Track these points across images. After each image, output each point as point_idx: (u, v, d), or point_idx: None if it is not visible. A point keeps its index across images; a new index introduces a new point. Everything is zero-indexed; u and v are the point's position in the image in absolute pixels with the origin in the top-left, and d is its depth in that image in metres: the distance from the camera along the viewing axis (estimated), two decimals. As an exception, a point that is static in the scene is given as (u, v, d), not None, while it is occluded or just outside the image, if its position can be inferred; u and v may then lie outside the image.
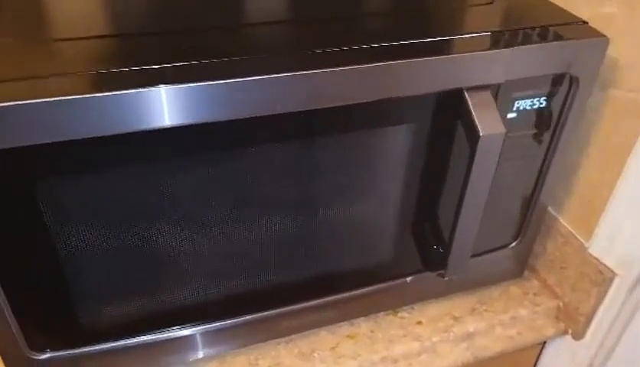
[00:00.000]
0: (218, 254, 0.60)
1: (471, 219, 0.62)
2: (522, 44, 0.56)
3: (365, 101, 0.52)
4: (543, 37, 0.58)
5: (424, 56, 0.53)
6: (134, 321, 0.61)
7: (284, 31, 0.58)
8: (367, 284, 0.71)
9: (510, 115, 0.61)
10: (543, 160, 0.67)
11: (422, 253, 0.70)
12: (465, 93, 0.56)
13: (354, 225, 0.65)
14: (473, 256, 0.72)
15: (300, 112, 0.50)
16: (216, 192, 0.55)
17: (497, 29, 0.58)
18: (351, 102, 0.52)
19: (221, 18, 0.59)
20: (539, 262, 0.82)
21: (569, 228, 0.76)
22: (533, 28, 0.58)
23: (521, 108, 0.61)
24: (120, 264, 0.56)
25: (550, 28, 0.59)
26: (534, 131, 0.63)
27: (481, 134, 0.55)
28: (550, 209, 0.79)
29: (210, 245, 0.59)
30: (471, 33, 0.57)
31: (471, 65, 0.55)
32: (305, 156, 0.56)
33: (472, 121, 0.55)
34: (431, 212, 0.66)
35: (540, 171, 0.68)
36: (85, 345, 0.60)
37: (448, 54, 0.54)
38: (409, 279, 0.73)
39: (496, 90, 0.58)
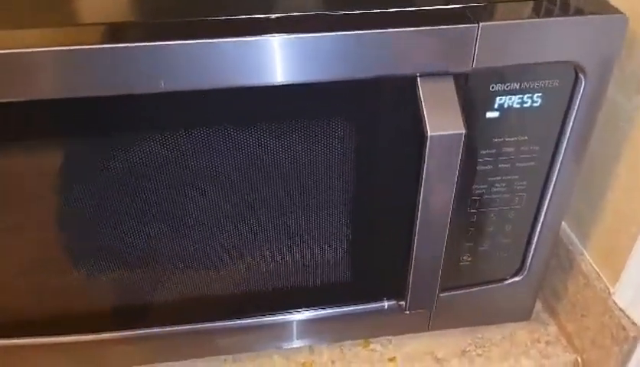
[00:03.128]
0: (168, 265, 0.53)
1: (432, 241, 0.49)
2: (500, 20, 0.43)
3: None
4: (534, 11, 0.44)
5: (365, 29, 0.41)
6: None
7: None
8: (330, 305, 0.61)
9: (490, 115, 0.47)
10: (547, 177, 0.52)
11: (387, 276, 0.58)
12: (418, 81, 0.43)
13: (307, 234, 0.54)
14: (459, 288, 0.59)
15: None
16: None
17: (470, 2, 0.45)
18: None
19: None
20: (560, 304, 0.66)
21: (594, 266, 0.60)
22: (518, 1, 0.45)
23: (506, 106, 0.47)
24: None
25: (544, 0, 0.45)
26: (528, 137, 0.49)
27: (428, 134, 0.42)
28: (574, 238, 0.63)
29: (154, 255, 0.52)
30: (433, 4, 0.44)
31: (426, 44, 0.42)
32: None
33: (420, 117, 0.43)
34: (389, 227, 0.54)
35: (543, 190, 0.53)
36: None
37: (396, 27, 0.42)
38: (386, 304, 0.61)
39: (465, 80, 0.45)
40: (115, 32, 0.42)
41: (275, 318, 0.61)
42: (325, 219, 0.52)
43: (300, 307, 0.60)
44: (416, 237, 0.49)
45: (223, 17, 0.42)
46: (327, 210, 0.52)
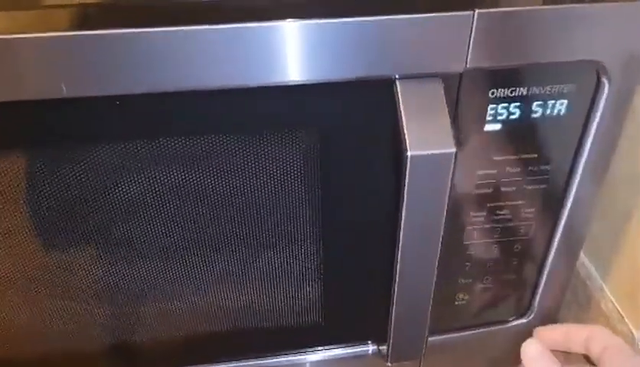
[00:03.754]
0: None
1: (418, 280, 0.40)
2: (501, 6, 0.33)
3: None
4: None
5: (327, 17, 0.32)
6: None
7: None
8: (304, 348, 0.51)
9: (489, 127, 0.38)
10: (561, 202, 0.43)
11: (361, 318, 0.48)
12: (397, 85, 0.34)
13: (273, 272, 0.45)
14: (455, 330, 0.50)
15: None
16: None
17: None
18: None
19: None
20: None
21: (616, 305, 0.50)
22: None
23: (510, 116, 0.37)
24: None
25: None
26: (539, 155, 0.40)
27: (409, 154, 0.33)
28: (593, 271, 0.53)
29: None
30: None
31: (407, 36, 0.33)
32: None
33: (400, 132, 0.33)
34: (362, 262, 0.44)
35: (556, 218, 0.44)
36: None
37: (366, 15, 0.32)
38: (370, 349, 0.51)
39: (457, 83, 0.35)
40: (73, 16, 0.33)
41: (246, 363, 0.51)
42: (293, 252, 0.43)
43: (271, 351, 0.51)
44: (397, 276, 0.39)
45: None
46: (294, 242, 0.42)
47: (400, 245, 0.37)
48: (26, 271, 0.41)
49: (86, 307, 0.44)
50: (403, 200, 0.35)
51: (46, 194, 0.37)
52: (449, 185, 0.35)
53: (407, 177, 0.34)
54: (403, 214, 0.36)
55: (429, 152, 0.33)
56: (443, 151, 0.33)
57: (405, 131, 0.33)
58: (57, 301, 0.44)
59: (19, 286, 0.42)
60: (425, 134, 0.33)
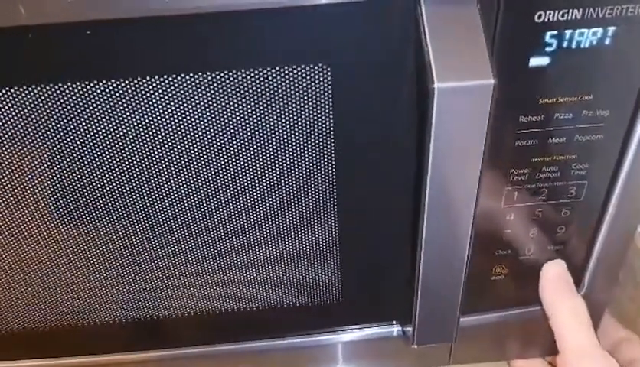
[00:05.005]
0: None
1: (448, 251, 0.34)
2: None
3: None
4: None
5: None
6: None
7: None
8: (325, 328, 0.46)
9: (535, 61, 0.31)
10: (620, 156, 0.36)
11: (383, 298, 0.42)
12: (421, 5, 0.28)
13: (288, 247, 0.39)
14: (490, 310, 0.44)
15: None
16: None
17: None
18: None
19: None
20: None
21: (682, 285, 0.43)
22: None
23: (561, 46, 0.31)
24: None
25: None
26: (594, 97, 0.33)
27: (435, 86, 0.27)
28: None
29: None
30: None
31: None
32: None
33: (424, 61, 0.27)
34: (383, 230, 0.38)
35: (614, 176, 0.37)
36: None
37: None
38: (395, 330, 0.46)
39: (495, 3, 0.29)
40: None
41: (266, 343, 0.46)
42: (305, 221, 0.37)
43: (289, 333, 0.46)
44: (422, 245, 0.33)
45: None
46: (306, 208, 0.37)
47: (426, 206, 0.31)
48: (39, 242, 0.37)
49: (106, 282, 0.40)
50: (428, 148, 0.29)
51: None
52: (487, 128, 0.28)
53: (434, 116, 0.28)
54: (430, 166, 0.29)
55: (462, 83, 0.27)
56: (479, 82, 0.27)
57: (430, 57, 0.27)
58: (75, 273, 0.39)
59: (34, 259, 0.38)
60: (455, 62, 0.27)
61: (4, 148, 0.32)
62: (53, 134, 0.32)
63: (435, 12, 0.28)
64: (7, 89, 0.30)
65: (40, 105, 0.30)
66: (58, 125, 0.31)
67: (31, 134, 0.31)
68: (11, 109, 0.31)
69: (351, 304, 0.43)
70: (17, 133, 0.31)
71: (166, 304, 0.43)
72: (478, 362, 0.49)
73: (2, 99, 0.30)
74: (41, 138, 0.32)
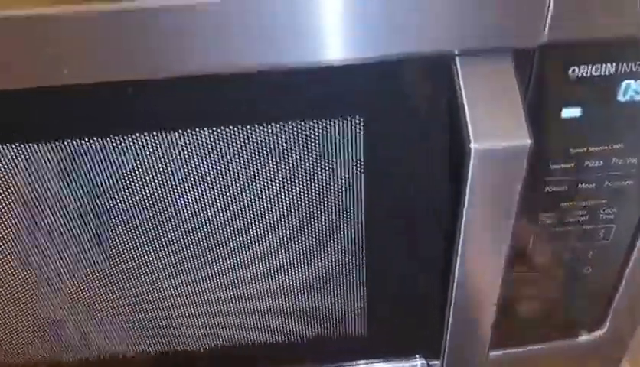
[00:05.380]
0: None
1: (477, 293, 0.34)
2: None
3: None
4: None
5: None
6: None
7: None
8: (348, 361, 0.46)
9: (568, 113, 0.31)
10: (648, 201, 0.36)
11: (410, 329, 0.43)
12: (457, 65, 0.28)
13: (316, 279, 0.40)
14: (514, 345, 0.44)
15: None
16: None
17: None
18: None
19: None
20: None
21: None
22: None
23: (592, 99, 0.31)
24: None
25: None
26: (624, 146, 0.33)
27: (472, 146, 0.27)
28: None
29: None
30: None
31: (469, 5, 0.27)
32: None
33: (459, 120, 0.28)
34: (419, 268, 0.39)
35: (641, 221, 0.37)
36: None
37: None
38: (419, 363, 0.46)
39: (528, 60, 0.29)
40: None
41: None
42: (334, 254, 0.38)
43: (314, 362, 0.46)
44: (454, 286, 0.34)
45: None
46: (335, 242, 0.37)
47: (459, 250, 0.32)
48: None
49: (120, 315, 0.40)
50: (463, 201, 0.29)
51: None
52: (521, 184, 0.29)
53: (470, 173, 0.28)
54: (464, 217, 0.30)
55: (498, 145, 0.27)
56: (516, 143, 0.27)
57: (467, 118, 0.27)
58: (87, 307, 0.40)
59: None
60: (492, 123, 0.27)
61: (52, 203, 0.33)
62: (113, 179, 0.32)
63: (471, 70, 0.28)
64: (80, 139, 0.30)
65: (97, 155, 0.31)
66: (114, 173, 0.32)
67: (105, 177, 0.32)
68: (82, 159, 0.31)
69: (375, 337, 0.44)
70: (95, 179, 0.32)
71: (197, 337, 0.43)
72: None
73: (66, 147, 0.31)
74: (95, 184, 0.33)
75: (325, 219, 0.35)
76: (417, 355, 0.45)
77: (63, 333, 0.41)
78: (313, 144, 0.31)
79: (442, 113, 0.30)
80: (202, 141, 0.31)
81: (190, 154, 0.32)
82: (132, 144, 0.31)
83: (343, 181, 0.33)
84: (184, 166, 0.32)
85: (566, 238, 0.37)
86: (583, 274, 0.40)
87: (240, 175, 0.33)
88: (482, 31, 0.28)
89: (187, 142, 0.31)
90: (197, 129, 0.31)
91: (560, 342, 0.43)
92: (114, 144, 0.31)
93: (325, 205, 0.34)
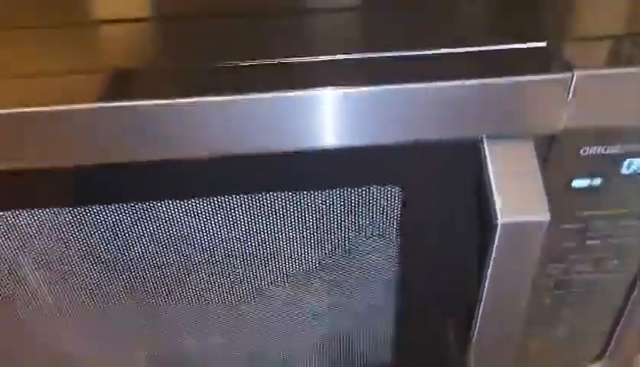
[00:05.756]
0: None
1: (497, 340, 0.39)
2: (596, 67, 0.31)
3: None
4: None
5: (415, 82, 0.31)
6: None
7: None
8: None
9: (577, 183, 0.36)
10: (646, 255, 0.41)
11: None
12: (485, 147, 0.33)
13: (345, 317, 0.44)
14: (523, 374, 0.48)
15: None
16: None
17: (560, 35, 0.34)
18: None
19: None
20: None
21: (697, 354, 0.48)
22: (626, 38, 0.33)
23: (599, 173, 0.36)
24: None
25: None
26: (624, 210, 0.38)
27: (499, 222, 0.32)
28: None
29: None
30: (511, 40, 0.33)
31: (497, 99, 0.31)
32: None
33: (488, 199, 0.32)
34: (442, 313, 0.43)
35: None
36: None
37: (455, 79, 0.31)
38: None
39: (548, 142, 0.34)
40: (121, 82, 0.32)
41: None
42: (368, 304, 0.42)
43: None
44: (476, 338, 0.38)
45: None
46: (369, 293, 0.42)
47: (482, 307, 0.36)
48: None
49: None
50: (488, 267, 0.34)
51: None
52: (539, 252, 0.33)
53: (495, 244, 0.32)
54: (487, 281, 0.34)
55: (522, 220, 0.32)
56: (537, 219, 0.32)
57: (494, 197, 0.32)
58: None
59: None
60: (516, 201, 0.32)
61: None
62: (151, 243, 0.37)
63: (497, 150, 0.33)
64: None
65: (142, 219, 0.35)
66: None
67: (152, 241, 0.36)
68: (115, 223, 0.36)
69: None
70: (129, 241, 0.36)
71: None
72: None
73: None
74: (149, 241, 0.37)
75: (366, 273, 0.40)
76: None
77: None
78: (363, 206, 0.36)
79: (471, 187, 0.34)
80: (262, 206, 0.36)
81: (251, 217, 0.36)
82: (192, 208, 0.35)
83: (381, 242, 0.37)
84: (246, 227, 0.36)
85: (574, 285, 0.42)
86: (589, 315, 0.44)
87: (283, 237, 0.37)
88: (508, 121, 0.32)
89: (249, 207, 0.35)
90: (258, 194, 0.35)
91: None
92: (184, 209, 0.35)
93: (364, 260, 0.39)
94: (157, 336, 0.44)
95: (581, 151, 0.34)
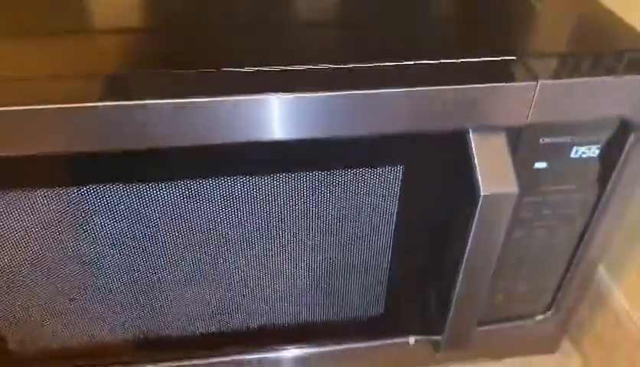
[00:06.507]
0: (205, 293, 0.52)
1: (474, 289, 0.49)
2: (555, 78, 0.41)
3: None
4: (591, 67, 0.43)
5: (413, 86, 0.40)
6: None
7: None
8: (356, 339, 0.60)
9: (538, 165, 0.46)
10: (587, 223, 0.52)
11: (420, 314, 0.57)
12: (470, 135, 0.42)
13: (344, 272, 0.53)
14: (490, 323, 0.59)
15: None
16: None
17: (526, 51, 0.44)
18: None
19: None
20: (585, 337, 0.66)
21: (625, 306, 0.60)
22: (576, 54, 0.43)
23: (554, 157, 0.46)
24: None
25: (604, 55, 0.44)
26: (574, 186, 0.48)
27: (482, 194, 0.42)
28: (605, 275, 0.63)
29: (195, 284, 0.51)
30: (488, 54, 0.43)
31: (480, 100, 0.41)
32: (292, 191, 0.45)
33: (473, 175, 0.42)
34: (428, 270, 0.53)
35: (582, 235, 0.53)
36: None
37: (449, 85, 0.40)
38: (412, 339, 0.61)
39: (516, 133, 0.44)
40: (120, 85, 0.40)
41: (305, 351, 0.60)
42: (364, 260, 0.52)
43: (327, 342, 0.60)
44: (457, 287, 0.48)
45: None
46: (366, 252, 0.51)
47: (464, 263, 0.46)
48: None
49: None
50: (470, 230, 0.44)
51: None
52: (510, 216, 0.43)
53: (477, 212, 0.42)
54: (470, 241, 0.44)
55: (498, 192, 0.42)
56: (509, 191, 0.42)
57: (478, 175, 0.42)
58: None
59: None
60: (493, 178, 0.42)
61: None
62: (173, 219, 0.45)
63: (480, 142, 0.42)
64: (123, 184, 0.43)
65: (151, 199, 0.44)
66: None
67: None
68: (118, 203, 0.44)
69: (387, 321, 0.58)
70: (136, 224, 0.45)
71: (243, 316, 0.56)
72: (478, 359, 0.65)
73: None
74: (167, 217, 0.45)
75: (365, 237, 0.49)
76: (410, 334, 0.59)
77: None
78: (370, 183, 0.45)
79: (458, 167, 0.44)
80: (279, 185, 0.44)
81: (272, 196, 0.45)
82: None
83: (382, 210, 0.47)
84: (268, 203, 0.45)
85: (531, 248, 0.52)
86: (542, 273, 0.55)
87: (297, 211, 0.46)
88: (488, 117, 0.42)
89: (271, 186, 0.44)
90: (271, 175, 0.44)
91: (521, 321, 0.59)
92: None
93: (366, 230, 0.48)
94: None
95: (540, 141, 0.45)
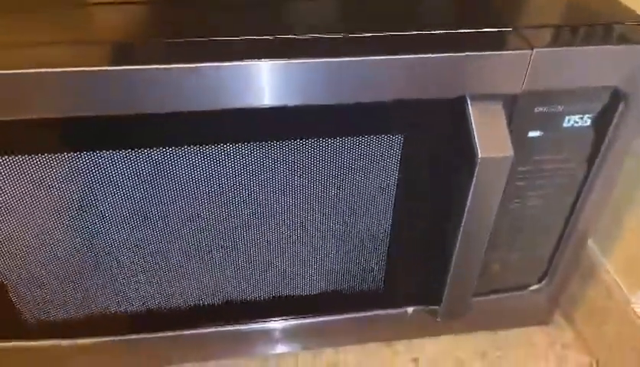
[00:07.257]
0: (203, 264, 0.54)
1: (471, 255, 0.51)
2: (549, 46, 0.43)
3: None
4: (583, 38, 0.45)
5: (415, 53, 0.42)
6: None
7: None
8: (356, 310, 0.62)
9: (532, 134, 0.48)
10: (578, 193, 0.54)
11: (419, 284, 0.59)
12: (468, 102, 0.44)
13: (345, 243, 0.55)
14: (485, 294, 0.61)
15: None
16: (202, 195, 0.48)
17: (522, 24, 0.46)
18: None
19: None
20: (577, 310, 0.69)
21: (614, 276, 0.62)
22: (569, 26, 0.46)
23: (547, 126, 0.48)
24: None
25: (594, 27, 0.46)
26: (566, 156, 0.51)
27: (479, 156, 0.44)
28: (595, 249, 0.65)
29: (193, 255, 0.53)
30: (486, 26, 0.45)
31: (478, 68, 0.43)
32: (289, 159, 0.47)
33: (471, 139, 0.44)
34: (426, 239, 0.55)
35: (574, 205, 0.55)
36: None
37: (448, 52, 0.42)
38: (410, 310, 0.63)
39: (512, 102, 0.46)
40: (122, 52, 0.42)
41: (307, 320, 0.62)
42: (364, 230, 0.54)
43: (328, 312, 0.62)
44: (455, 252, 0.50)
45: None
46: (367, 221, 0.53)
47: (462, 228, 0.48)
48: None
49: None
50: (469, 193, 0.46)
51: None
52: (506, 180, 0.45)
53: (475, 175, 0.44)
54: (468, 204, 0.46)
55: (495, 155, 0.44)
56: (505, 155, 0.44)
57: (476, 139, 0.44)
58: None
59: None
60: (490, 142, 0.44)
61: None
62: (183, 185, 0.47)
63: (477, 109, 0.44)
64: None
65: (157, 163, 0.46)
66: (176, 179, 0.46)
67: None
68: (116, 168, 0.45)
69: (386, 292, 0.60)
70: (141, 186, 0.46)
71: (246, 288, 0.58)
72: (473, 330, 0.67)
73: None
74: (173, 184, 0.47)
75: (367, 204, 0.51)
76: (408, 305, 0.61)
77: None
78: (372, 152, 0.47)
79: (457, 134, 0.46)
80: (283, 153, 0.46)
81: (274, 164, 0.46)
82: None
83: (383, 177, 0.49)
84: (273, 173, 0.47)
85: (526, 217, 0.55)
86: (536, 242, 0.57)
87: (299, 178, 0.48)
88: (485, 84, 0.44)
89: (274, 153, 0.46)
90: (278, 142, 0.45)
91: (515, 292, 0.61)
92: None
93: (367, 196, 0.50)
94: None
95: (535, 110, 0.47)
